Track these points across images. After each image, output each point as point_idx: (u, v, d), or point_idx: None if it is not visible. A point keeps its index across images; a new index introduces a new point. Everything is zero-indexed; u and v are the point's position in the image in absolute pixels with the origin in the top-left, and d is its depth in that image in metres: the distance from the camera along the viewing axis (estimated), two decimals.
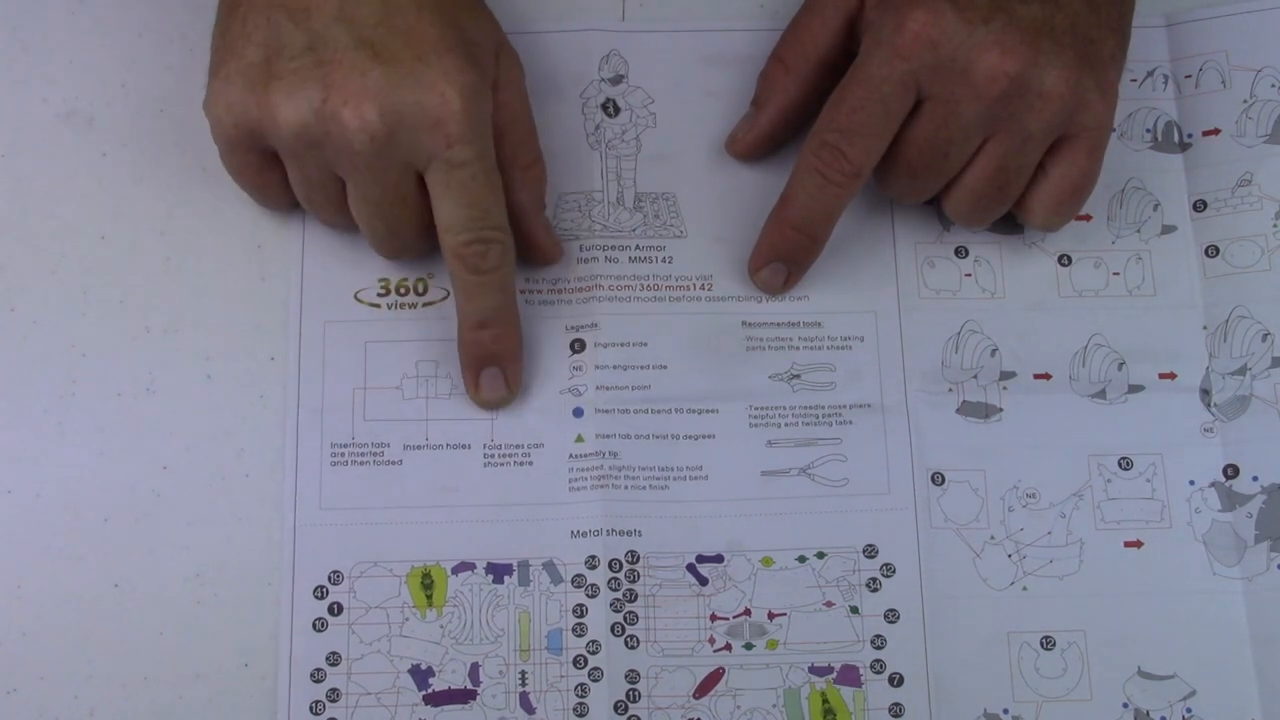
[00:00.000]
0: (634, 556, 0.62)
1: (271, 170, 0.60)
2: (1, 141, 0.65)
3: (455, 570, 0.61)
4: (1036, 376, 0.64)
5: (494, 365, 0.62)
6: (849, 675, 0.61)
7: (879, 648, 0.61)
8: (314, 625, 0.61)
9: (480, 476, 0.62)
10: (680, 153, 0.67)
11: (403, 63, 0.56)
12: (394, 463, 0.62)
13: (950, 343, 0.64)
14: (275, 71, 0.56)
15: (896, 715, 0.61)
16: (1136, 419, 0.64)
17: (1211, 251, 0.66)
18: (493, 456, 0.63)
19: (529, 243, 0.62)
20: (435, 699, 0.60)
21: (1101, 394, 0.64)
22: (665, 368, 0.64)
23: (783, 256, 0.63)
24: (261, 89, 0.57)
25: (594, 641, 0.61)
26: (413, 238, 0.61)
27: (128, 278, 0.64)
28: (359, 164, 0.57)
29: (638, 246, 0.65)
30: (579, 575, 0.62)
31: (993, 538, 0.62)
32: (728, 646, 0.61)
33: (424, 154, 0.57)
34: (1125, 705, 0.61)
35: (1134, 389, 0.64)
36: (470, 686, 0.61)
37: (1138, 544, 0.63)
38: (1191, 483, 0.63)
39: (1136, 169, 0.67)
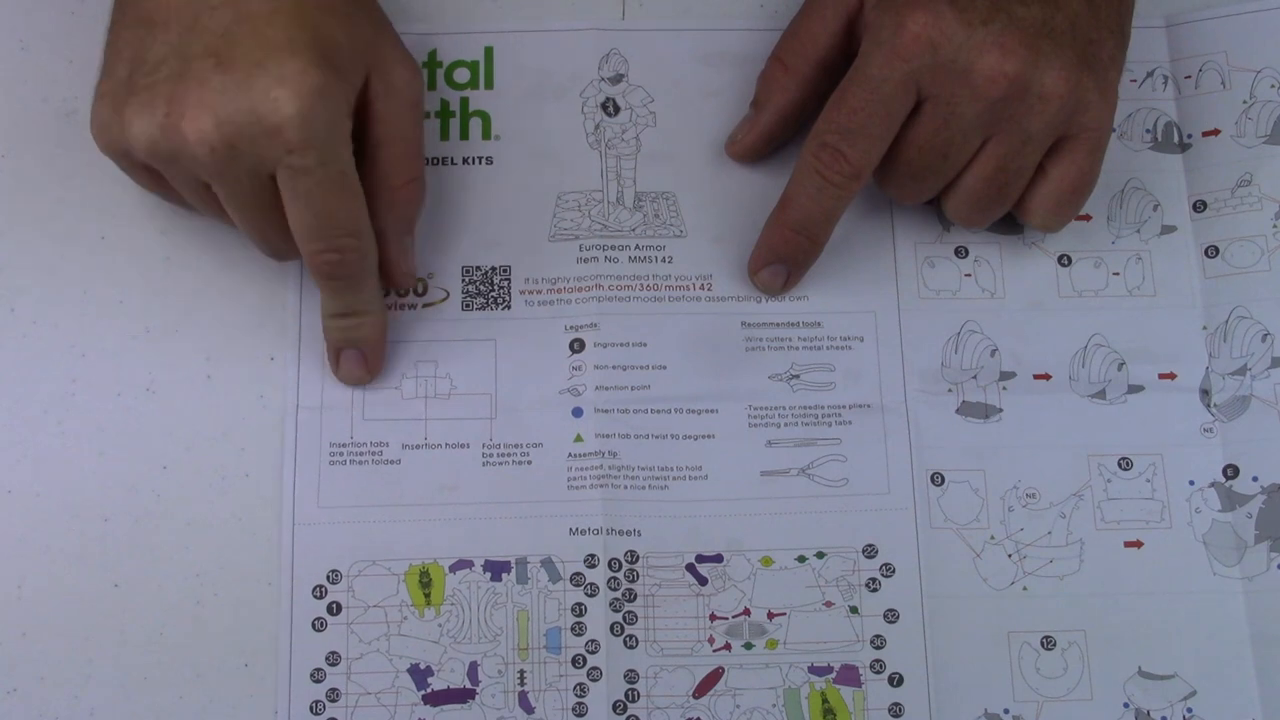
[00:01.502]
0: (633, 556, 0.62)
1: (164, 182, 0.60)
2: (1, 141, 0.65)
3: (453, 568, 0.61)
4: (1036, 376, 0.64)
5: (354, 348, 0.62)
6: (849, 675, 0.61)
7: (879, 648, 0.61)
8: (313, 625, 0.61)
9: (479, 476, 0.63)
10: (680, 152, 0.67)
11: (242, 69, 0.54)
12: (393, 462, 0.63)
13: (950, 343, 0.64)
14: (133, 87, 0.56)
15: (896, 715, 0.61)
16: (1136, 419, 0.64)
17: (1211, 252, 0.66)
18: (491, 456, 0.63)
19: (383, 265, 0.61)
20: (434, 698, 0.60)
21: (1101, 394, 0.64)
22: (665, 368, 0.64)
23: (783, 257, 0.63)
24: (122, 106, 0.56)
25: (593, 641, 0.61)
26: (285, 241, 0.59)
27: (128, 278, 0.64)
28: (211, 173, 0.56)
29: (637, 246, 0.65)
30: (578, 574, 0.62)
31: (993, 538, 0.62)
32: (727, 646, 0.61)
33: (266, 162, 0.55)
34: (1125, 705, 0.61)
35: (1134, 389, 0.64)
36: (469, 686, 0.61)
37: (1138, 544, 0.63)
38: (1191, 483, 0.63)
39: (1136, 169, 0.67)
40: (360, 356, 0.62)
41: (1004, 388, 0.64)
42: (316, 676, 0.61)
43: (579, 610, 0.61)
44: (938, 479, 0.63)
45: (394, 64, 0.60)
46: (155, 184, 0.61)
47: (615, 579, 0.62)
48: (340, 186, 0.57)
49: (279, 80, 0.54)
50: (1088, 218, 0.66)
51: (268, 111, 0.54)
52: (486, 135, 0.66)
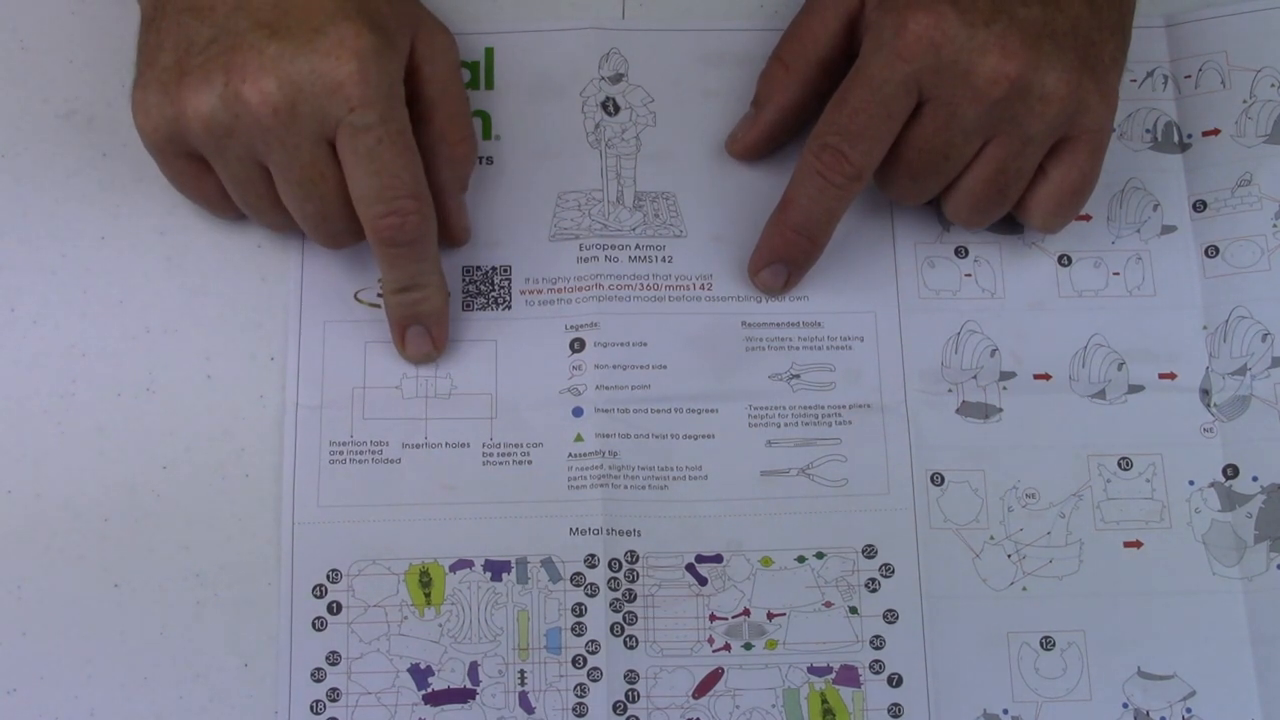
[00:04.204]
0: (633, 556, 0.62)
1: (207, 177, 0.60)
2: (1, 141, 0.65)
3: (453, 568, 0.62)
4: (1036, 377, 0.64)
5: (419, 324, 0.62)
6: (848, 675, 0.61)
7: (878, 648, 0.61)
8: (313, 624, 0.61)
9: (479, 475, 0.63)
10: (680, 152, 0.67)
11: (298, 35, 0.56)
12: (393, 461, 0.63)
13: (950, 343, 0.64)
14: (184, 69, 0.57)
15: (896, 715, 0.61)
16: (1136, 419, 0.64)
17: (1211, 251, 0.66)
18: (492, 455, 0.63)
19: (439, 222, 0.62)
20: (435, 698, 0.60)
21: (1101, 394, 0.64)
22: (665, 367, 0.64)
23: (783, 258, 0.63)
24: (174, 88, 0.57)
25: (593, 641, 0.61)
26: (343, 218, 0.60)
27: (128, 278, 0.64)
28: (271, 141, 0.57)
29: (638, 246, 0.65)
30: (578, 574, 0.62)
31: (992, 538, 0.63)
32: (727, 646, 0.61)
33: (329, 120, 0.57)
34: (1125, 705, 0.61)
35: (1134, 389, 0.64)
36: (469, 686, 0.61)
37: (1137, 544, 0.63)
38: (1191, 483, 0.63)
39: (1136, 169, 0.67)
40: (426, 333, 0.63)
41: (1004, 388, 0.64)
42: (317, 676, 0.61)
43: (579, 610, 0.61)
44: (937, 479, 0.63)
45: (435, 28, 0.62)
46: (195, 179, 0.61)
47: (615, 579, 0.62)
48: (402, 145, 0.58)
49: (338, 42, 0.56)
50: (1088, 218, 0.66)
51: (329, 69, 0.56)
52: (487, 135, 0.66)
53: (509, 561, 0.62)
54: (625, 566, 0.62)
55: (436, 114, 0.61)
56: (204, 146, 0.58)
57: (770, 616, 0.62)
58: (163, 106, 0.57)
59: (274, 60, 0.56)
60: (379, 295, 0.64)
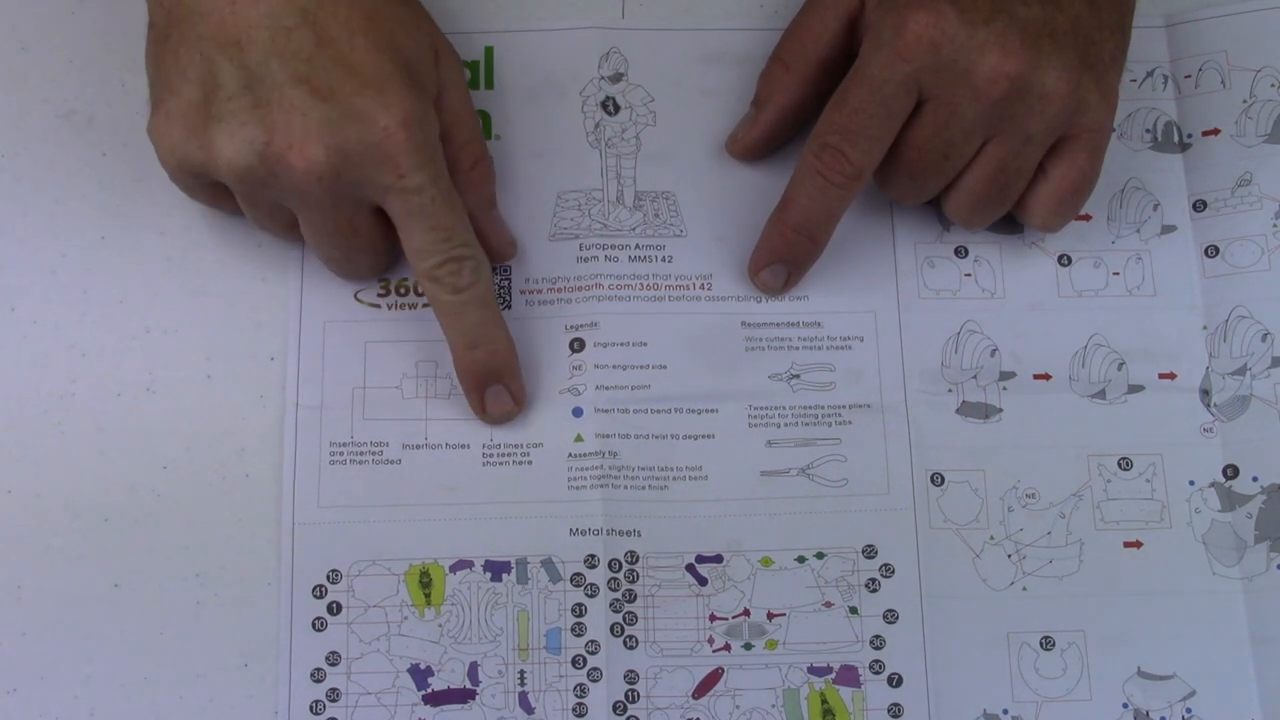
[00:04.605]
0: (633, 556, 0.62)
1: (226, 197, 0.60)
2: (1, 141, 0.65)
3: (453, 568, 0.62)
4: (1036, 377, 0.64)
5: (496, 382, 0.62)
6: (848, 675, 0.61)
7: (878, 648, 0.61)
8: (313, 625, 0.61)
9: (479, 475, 0.63)
10: (680, 152, 0.66)
11: (343, 98, 0.55)
12: (393, 461, 0.63)
13: (950, 343, 0.64)
14: (214, 114, 0.56)
15: (895, 715, 0.61)
16: (1136, 419, 0.64)
17: (1211, 251, 0.66)
18: (492, 456, 0.63)
19: (483, 242, 0.62)
20: (434, 699, 0.60)
21: (1101, 394, 0.64)
22: (665, 367, 0.64)
23: (783, 258, 0.63)
24: (202, 131, 0.56)
25: (593, 641, 0.61)
26: (368, 264, 0.61)
27: (128, 278, 0.64)
28: (309, 201, 0.57)
29: (637, 246, 0.65)
30: (578, 574, 0.62)
31: (992, 538, 0.63)
32: (727, 647, 0.61)
33: (377, 188, 0.57)
34: (1125, 705, 0.61)
35: (1134, 389, 0.64)
36: (469, 686, 0.61)
37: (1137, 544, 0.63)
38: (1191, 483, 0.63)
39: (1136, 169, 0.67)
40: (505, 391, 0.62)
41: (1004, 388, 0.64)
42: (316, 676, 0.61)
43: (579, 611, 0.61)
44: (937, 479, 0.63)
45: (446, 54, 0.62)
46: (213, 200, 0.61)
47: (615, 579, 0.62)
48: (450, 199, 0.58)
49: (383, 108, 0.56)
50: (1088, 218, 0.66)
51: (379, 140, 0.56)
52: (487, 135, 0.66)
53: (509, 562, 0.62)
54: (625, 567, 0.62)
55: (452, 141, 0.61)
56: (232, 187, 0.58)
57: (770, 616, 0.62)
58: (188, 146, 0.57)
59: (320, 126, 0.55)
60: (379, 295, 0.64)
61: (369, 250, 0.61)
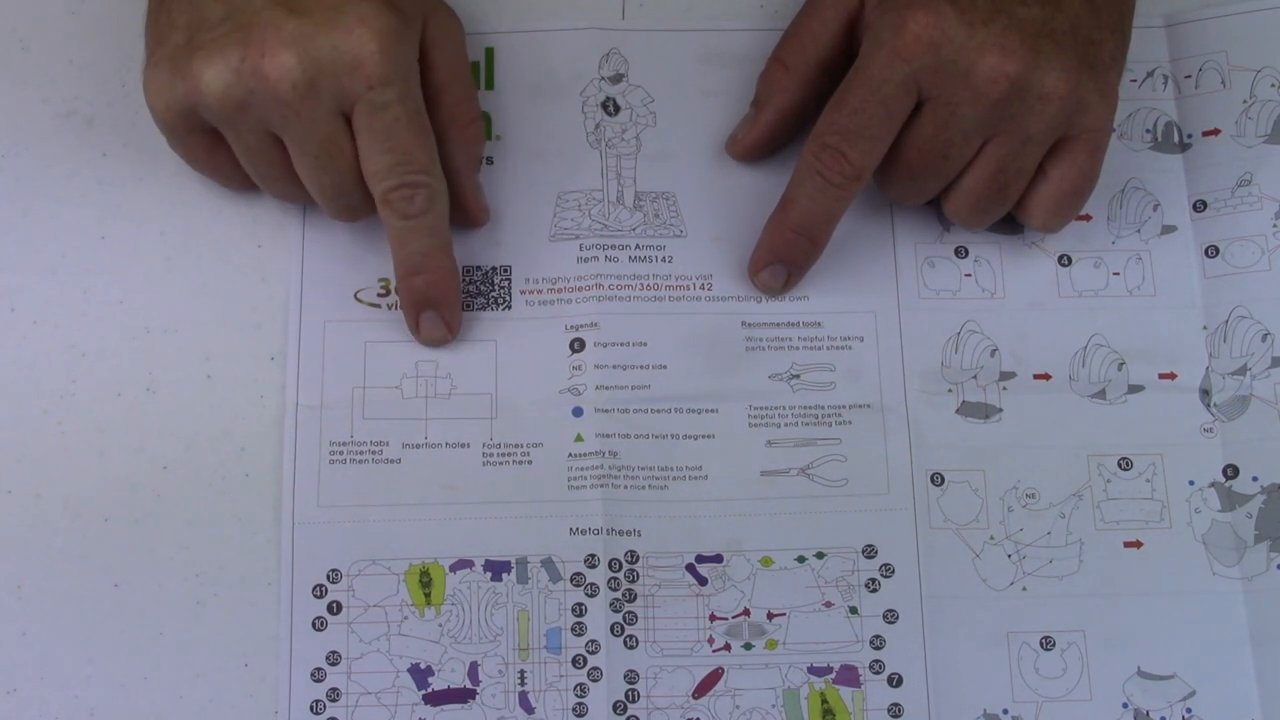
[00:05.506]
0: (633, 556, 0.62)
1: (219, 150, 0.61)
2: (1, 141, 0.65)
3: (453, 568, 0.62)
4: (1036, 376, 0.64)
5: (432, 309, 0.62)
6: (848, 675, 0.61)
7: (878, 648, 0.61)
8: (313, 624, 0.61)
9: (479, 475, 0.63)
10: (680, 152, 0.67)
11: (317, 13, 0.57)
12: (393, 461, 0.63)
13: (950, 343, 0.64)
14: (197, 44, 0.57)
15: (895, 715, 0.61)
16: (1136, 419, 0.64)
17: (1211, 251, 0.66)
18: (492, 455, 0.63)
19: (458, 203, 0.63)
20: (435, 698, 0.60)
21: (1101, 394, 0.64)
22: (665, 367, 0.64)
23: (783, 258, 0.63)
24: (185, 65, 0.57)
25: (593, 641, 0.61)
26: (358, 191, 0.60)
27: (128, 278, 0.64)
28: (288, 114, 0.57)
29: (638, 246, 0.65)
30: (578, 574, 0.62)
31: (992, 538, 0.63)
32: (727, 646, 0.61)
33: (348, 96, 0.57)
34: (1125, 705, 0.61)
35: (1134, 389, 0.64)
36: (469, 686, 0.61)
37: (1137, 544, 0.63)
38: (1191, 483, 0.63)
39: (1136, 169, 0.67)
40: (439, 318, 0.63)
41: (1004, 388, 0.64)
42: (316, 676, 0.61)
43: (579, 610, 0.61)
44: (937, 479, 0.63)
45: (444, 12, 0.62)
46: (207, 153, 0.61)
47: (615, 579, 0.62)
48: (416, 124, 0.59)
49: (358, 20, 0.57)
50: (1088, 218, 0.66)
51: (351, 46, 0.57)
52: (487, 135, 0.66)
53: (509, 561, 0.62)
54: (625, 566, 0.62)
55: (445, 97, 0.62)
56: (217, 119, 0.59)
57: (770, 616, 0.62)
58: (174, 84, 0.58)
59: (293, 36, 0.56)
60: (379, 295, 0.64)
61: (355, 173, 0.60)
